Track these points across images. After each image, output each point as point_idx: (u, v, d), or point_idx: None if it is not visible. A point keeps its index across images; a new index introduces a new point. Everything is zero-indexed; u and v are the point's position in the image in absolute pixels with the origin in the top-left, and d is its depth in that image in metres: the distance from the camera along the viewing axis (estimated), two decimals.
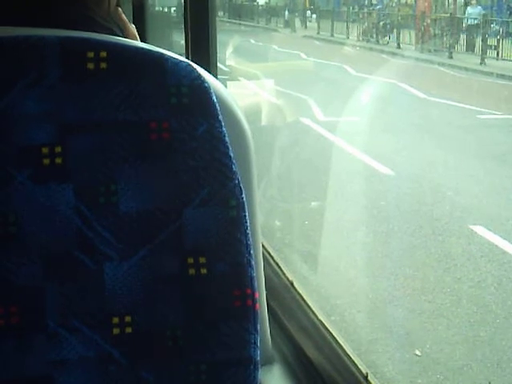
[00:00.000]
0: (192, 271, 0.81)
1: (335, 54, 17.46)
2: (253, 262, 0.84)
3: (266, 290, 0.98)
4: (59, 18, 0.85)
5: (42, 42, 0.77)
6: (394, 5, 21.15)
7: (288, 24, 25.02)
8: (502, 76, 12.91)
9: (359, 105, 10.35)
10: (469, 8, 15.81)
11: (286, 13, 25.48)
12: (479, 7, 15.62)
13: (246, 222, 0.83)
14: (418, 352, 3.90)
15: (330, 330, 1.47)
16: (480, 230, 5.58)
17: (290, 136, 8.54)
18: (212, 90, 0.82)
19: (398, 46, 17.66)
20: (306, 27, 24.29)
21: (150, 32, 3.06)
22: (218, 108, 0.82)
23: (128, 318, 0.80)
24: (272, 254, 1.83)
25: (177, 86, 0.80)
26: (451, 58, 15.40)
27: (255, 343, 0.84)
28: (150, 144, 0.79)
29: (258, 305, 0.84)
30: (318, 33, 22.37)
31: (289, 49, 18.26)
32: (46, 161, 0.77)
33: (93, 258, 0.78)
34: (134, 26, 1.04)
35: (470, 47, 15.50)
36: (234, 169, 0.82)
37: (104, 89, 0.78)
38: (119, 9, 0.98)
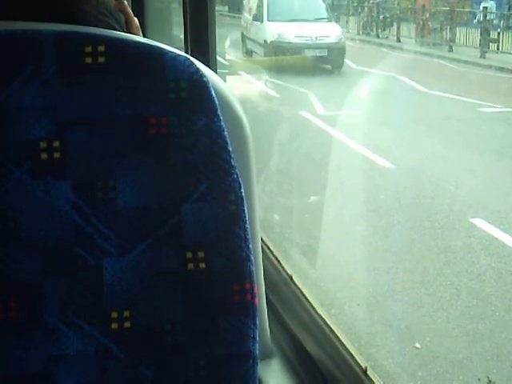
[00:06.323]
0: (191, 266, 0.81)
1: None
2: (252, 257, 0.84)
3: (265, 284, 0.98)
4: (55, 12, 0.85)
5: (38, 36, 0.76)
6: None
7: None
8: (502, 69, 12.88)
9: (359, 98, 10.32)
10: (484, 3, 15.31)
11: None
12: (492, 1, 15.23)
13: (245, 217, 0.83)
14: (417, 345, 3.89)
15: (329, 323, 1.47)
16: (480, 223, 5.57)
17: (290, 130, 8.52)
18: (211, 85, 0.81)
19: (398, 40, 17.60)
20: None
21: (150, 26, 3.05)
22: (217, 102, 0.81)
23: (127, 313, 0.79)
24: (271, 248, 1.82)
25: (175, 81, 0.79)
26: (451, 51, 15.36)
27: (254, 338, 0.84)
28: (148, 139, 0.79)
29: (257, 299, 0.84)
30: None
31: None
32: (44, 155, 0.76)
33: (91, 254, 0.78)
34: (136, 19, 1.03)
35: (470, 41, 15.41)
36: (233, 163, 0.82)
37: (102, 83, 0.78)
38: (124, 1, 0.97)
